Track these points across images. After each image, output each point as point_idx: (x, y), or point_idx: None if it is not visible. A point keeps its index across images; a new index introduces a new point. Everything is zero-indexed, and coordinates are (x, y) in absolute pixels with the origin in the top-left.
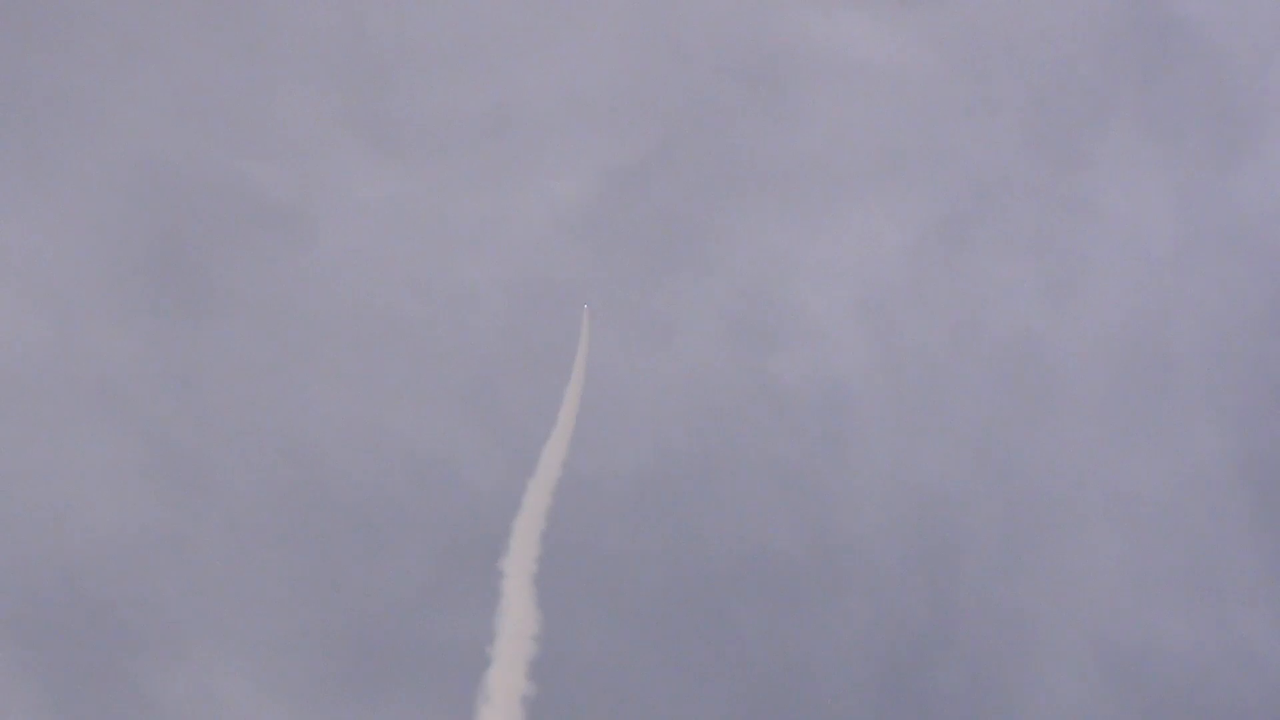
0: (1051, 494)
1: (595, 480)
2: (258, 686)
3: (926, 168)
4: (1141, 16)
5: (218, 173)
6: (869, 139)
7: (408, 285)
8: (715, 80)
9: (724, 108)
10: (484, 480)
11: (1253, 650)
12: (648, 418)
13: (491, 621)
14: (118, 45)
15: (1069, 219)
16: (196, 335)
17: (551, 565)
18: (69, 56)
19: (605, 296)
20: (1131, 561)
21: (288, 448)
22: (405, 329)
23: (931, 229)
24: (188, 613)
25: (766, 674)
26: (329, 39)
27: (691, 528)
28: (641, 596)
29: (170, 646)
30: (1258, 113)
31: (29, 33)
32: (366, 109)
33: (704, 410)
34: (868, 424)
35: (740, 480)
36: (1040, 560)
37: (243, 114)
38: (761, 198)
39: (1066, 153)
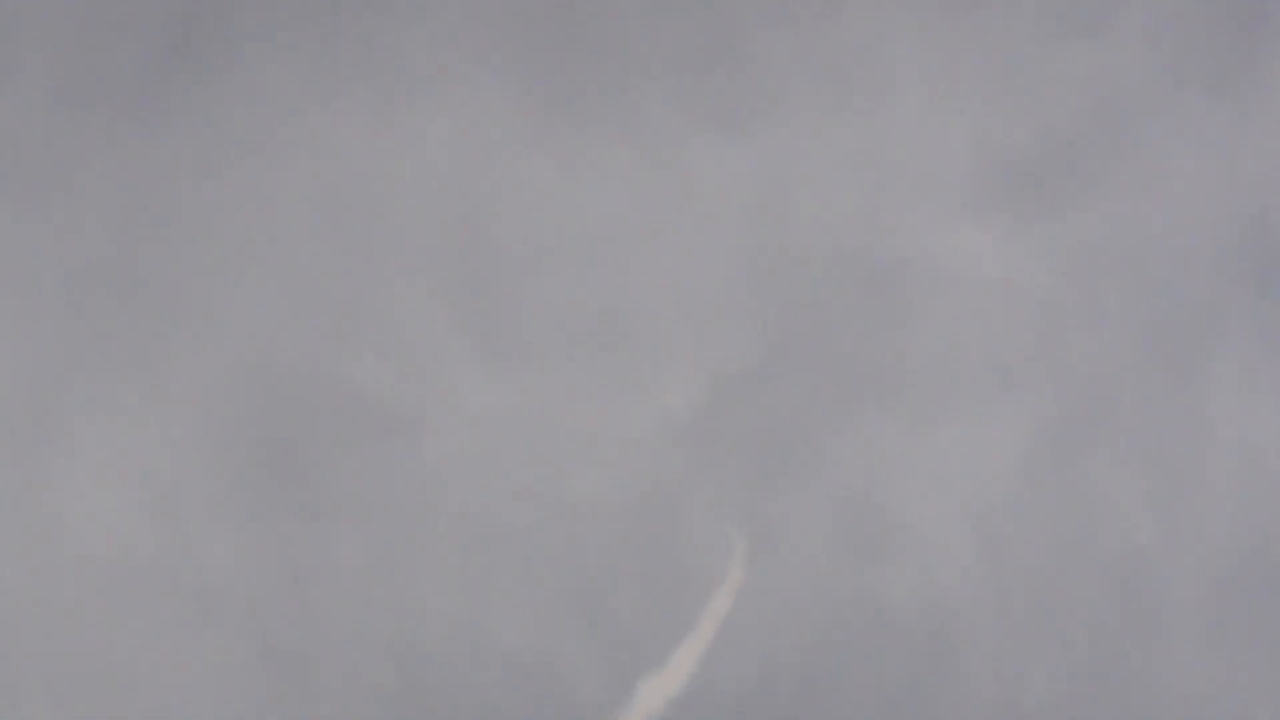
0: (1162, 713)
1: (695, 692)
2: None
3: (1038, 380)
4: (1254, 233)
5: (328, 375)
6: (980, 350)
7: (515, 491)
8: (827, 287)
9: (835, 315)
10: (587, 689)
11: None
12: (751, 627)
13: None
14: (231, 245)
15: (1181, 433)
16: (304, 537)
17: None
18: (182, 256)
19: (711, 503)
20: None
21: (392, 651)
22: (512, 535)
23: (1042, 441)
24: None
25: None
26: (443, 242)
27: None
28: None
29: None
30: None
31: (142, 231)
32: (478, 314)
33: (809, 620)
34: (974, 637)
35: (844, 693)
36: None
37: (355, 316)
38: (871, 405)
39: (1179, 367)
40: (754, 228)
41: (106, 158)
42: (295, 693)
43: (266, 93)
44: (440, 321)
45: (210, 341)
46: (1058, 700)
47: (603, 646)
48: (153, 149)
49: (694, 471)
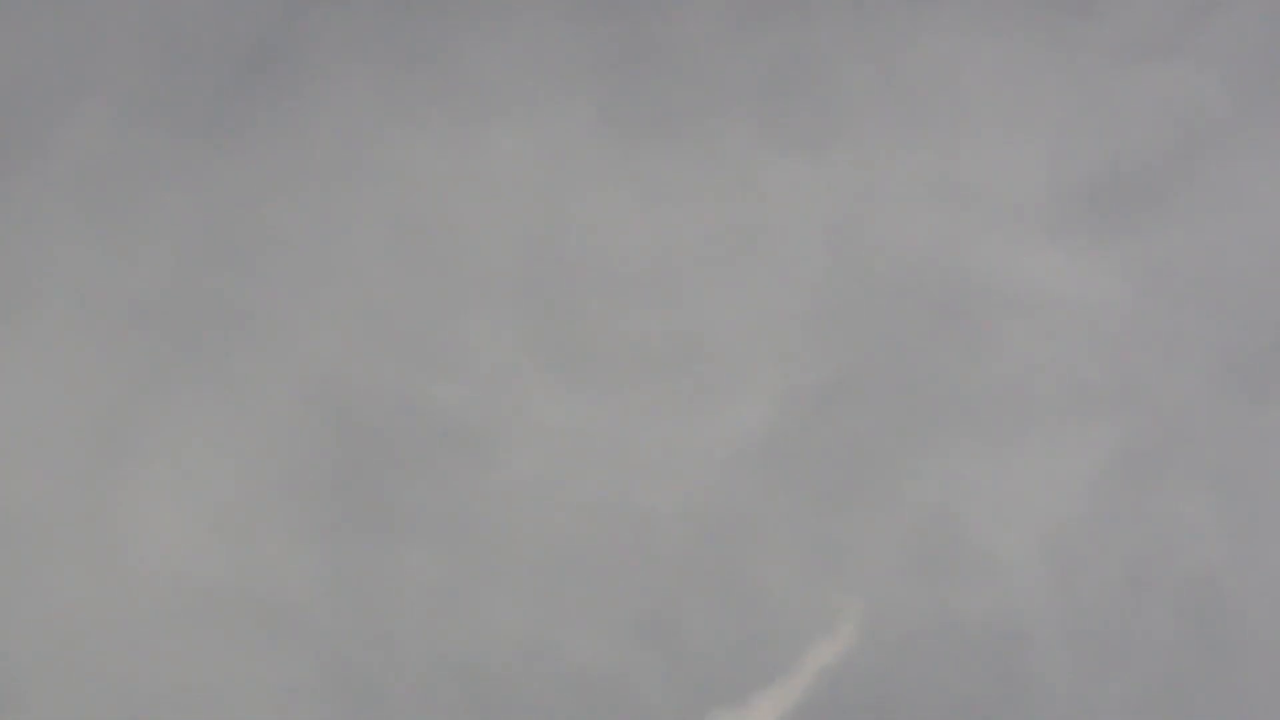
0: None
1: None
2: None
3: (1114, 402)
4: None
5: (401, 394)
6: (1056, 371)
7: (588, 509)
8: (903, 309)
9: (911, 336)
10: (657, 711)
11: None
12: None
13: None
14: (305, 266)
15: (1257, 456)
16: (375, 555)
17: None
18: (256, 277)
19: (783, 524)
20: None
21: (463, 670)
22: (584, 553)
23: (1118, 463)
24: None
25: None
26: (518, 262)
27: None
28: None
29: None
30: None
31: (215, 252)
32: (552, 333)
33: (881, 640)
34: (1047, 659)
35: (915, 713)
36: None
37: (429, 337)
38: (947, 426)
39: (1256, 390)
40: (831, 249)
41: (180, 179)
42: (365, 712)
43: (341, 115)
44: (514, 340)
45: (283, 361)
46: None
47: (674, 668)
48: (227, 170)
49: (768, 491)
